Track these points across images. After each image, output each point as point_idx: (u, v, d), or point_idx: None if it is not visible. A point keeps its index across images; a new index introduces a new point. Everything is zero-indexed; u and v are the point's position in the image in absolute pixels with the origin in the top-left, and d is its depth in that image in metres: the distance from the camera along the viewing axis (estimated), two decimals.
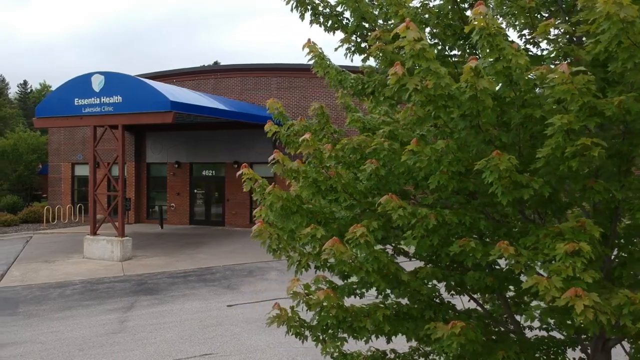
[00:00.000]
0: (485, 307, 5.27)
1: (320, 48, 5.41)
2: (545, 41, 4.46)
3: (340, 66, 5.68)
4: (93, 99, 20.62)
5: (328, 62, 5.44)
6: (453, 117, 3.83)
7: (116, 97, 20.14)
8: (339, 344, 4.11)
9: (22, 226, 31.41)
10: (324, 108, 5.56)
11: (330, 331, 4.14)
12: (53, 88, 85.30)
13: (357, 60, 5.21)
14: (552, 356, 4.70)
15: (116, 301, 14.67)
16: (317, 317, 4.02)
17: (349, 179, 4.53)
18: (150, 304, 14.38)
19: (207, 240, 25.73)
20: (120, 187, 20.85)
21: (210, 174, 31.55)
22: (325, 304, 3.79)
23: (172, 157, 32.16)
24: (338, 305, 3.83)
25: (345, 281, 4.69)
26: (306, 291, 4.11)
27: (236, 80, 30.20)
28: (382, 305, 4.23)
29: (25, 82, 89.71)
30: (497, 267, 4.72)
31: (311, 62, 5.55)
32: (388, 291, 4.34)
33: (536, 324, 5.51)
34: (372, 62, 5.17)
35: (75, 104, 21.05)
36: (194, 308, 13.90)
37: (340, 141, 4.77)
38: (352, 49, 5.06)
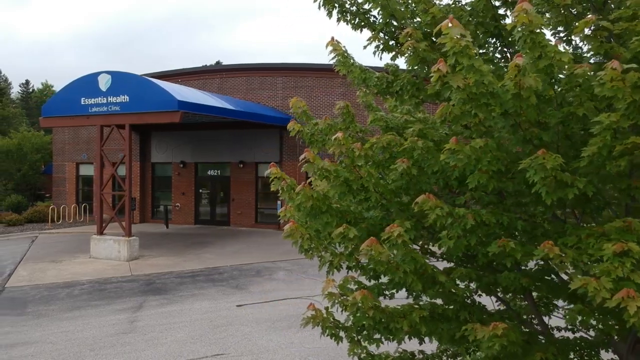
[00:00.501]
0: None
1: (344, 46, 5.35)
2: (578, 39, 4.40)
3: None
4: (100, 98, 20.57)
5: (351, 61, 5.37)
6: (494, 115, 3.76)
7: (123, 97, 20.09)
8: (373, 345, 4.04)
9: (27, 226, 31.35)
10: (350, 107, 5.47)
11: (364, 332, 4.07)
12: (55, 88, 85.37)
13: (383, 59, 5.14)
14: (586, 357, 4.64)
15: (125, 301, 14.61)
16: (352, 318, 3.96)
17: (377, 178, 4.46)
18: (159, 304, 14.32)
19: (213, 240, 25.68)
20: (128, 186, 20.79)
21: (215, 174, 31.50)
22: (361, 304, 3.73)
23: (177, 156, 32.11)
24: (375, 306, 3.77)
25: (375, 282, 4.62)
26: (341, 292, 4.03)
27: (241, 80, 30.15)
28: (416, 306, 4.16)
29: (27, 82, 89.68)
30: (524, 267, 4.66)
31: (333, 61, 5.50)
32: (417, 292, 4.27)
33: (556, 322, 5.45)
34: (398, 61, 5.11)
35: (82, 103, 20.99)
36: (204, 308, 13.84)
37: (367, 140, 4.71)
38: (381, 46, 4.98)
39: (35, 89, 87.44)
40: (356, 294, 3.80)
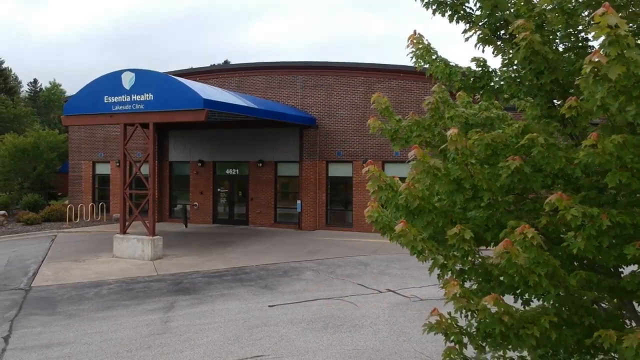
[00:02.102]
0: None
1: (427, 40, 5.14)
2: None
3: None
4: (123, 96, 20.45)
5: (434, 56, 5.16)
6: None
7: (147, 95, 19.96)
8: (500, 352, 3.82)
9: (44, 225, 31.31)
10: (439, 102, 5.25)
11: (489, 339, 3.85)
12: (63, 87, 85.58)
13: (485, 52, 4.91)
14: None
15: (155, 301, 14.45)
16: (478, 324, 3.74)
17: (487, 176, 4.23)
18: (190, 304, 14.15)
19: (234, 239, 25.52)
20: (152, 185, 20.66)
21: (233, 173, 31.35)
22: (495, 309, 3.51)
23: (195, 155, 31.99)
24: (508, 312, 3.56)
25: (488, 285, 4.39)
26: (466, 296, 3.80)
27: (260, 79, 29.99)
28: (540, 310, 3.94)
29: (35, 81, 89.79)
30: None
31: (410, 55, 5.28)
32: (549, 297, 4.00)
33: None
34: (486, 55, 4.89)
35: (105, 101, 20.88)
36: (235, 308, 13.66)
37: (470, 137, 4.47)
38: (485, 38, 4.75)
39: (44, 88, 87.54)
40: (487, 298, 3.57)
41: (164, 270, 18.43)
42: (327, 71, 28.55)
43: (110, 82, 20.84)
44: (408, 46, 5.26)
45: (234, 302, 14.22)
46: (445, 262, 4.02)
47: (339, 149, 28.12)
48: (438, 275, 4.20)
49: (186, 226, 30.04)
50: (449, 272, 4.11)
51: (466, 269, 4.08)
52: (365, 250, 22.51)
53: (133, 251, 20.43)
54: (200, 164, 31.78)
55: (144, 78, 20.23)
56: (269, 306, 13.84)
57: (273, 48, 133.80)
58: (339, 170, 28.57)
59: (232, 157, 31.02)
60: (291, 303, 14.11)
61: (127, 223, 21.41)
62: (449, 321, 3.95)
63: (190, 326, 12.22)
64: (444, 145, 4.11)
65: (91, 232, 28.98)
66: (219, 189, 31.88)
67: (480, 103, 5.57)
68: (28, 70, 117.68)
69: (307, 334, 11.64)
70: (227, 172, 31.59)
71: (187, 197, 32.53)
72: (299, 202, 28.72)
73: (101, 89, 21.06)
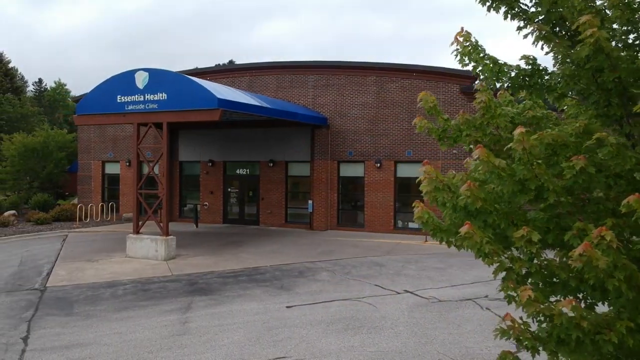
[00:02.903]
0: None
1: (474, 37, 5.03)
2: None
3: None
4: (137, 96, 20.38)
5: (482, 54, 5.04)
6: None
7: (161, 94, 19.89)
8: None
9: (54, 224, 31.28)
10: (492, 101, 5.11)
11: (563, 346, 3.72)
12: (68, 86, 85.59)
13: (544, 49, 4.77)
14: None
15: (172, 302, 14.37)
16: (551, 329, 3.61)
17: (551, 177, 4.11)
18: (207, 304, 14.06)
19: (245, 239, 25.44)
20: (166, 185, 20.58)
21: (244, 173, 31.26)
22: (574, 314, 3.39)
23: (205, 155, 31.92)
24: (586, 317, 3.44)
25: (550, 289, 4.26)
26: (539, 300, 3.67)
27: (272, 78, 29.90)
28: (612, 315, 3.80)
29: (40, 80, 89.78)
30: None
31: (454, 53, 5.17)
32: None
33: None
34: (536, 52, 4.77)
35: (118, 101, 20.82)
36: (253, 309, 13.56)
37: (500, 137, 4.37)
38: (544, 35, 4.62)
39: (49, 88, 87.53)
40: (563, 302, 3.46)
41: (178, 270, 18.35)
42: (338, 71, 28.43)
43: (123, 81, 20.77)
44: (452, 44, 5.15)
45: (251, 303, 14.12)
46: (511, 265, 3.90)
47: (351, 149, 28.00)
48: (503, 278, 4.07)
49: (197, 226, 29.97)
50: (515, 275, 3.98)
51: (532, 271, 3.96)
52: (378, 250, 22.39)
53: (147, 251, 20.36)
54: (210, 164, 31.70)
55: (158, 77, 20.15)
56: (287, 307, 13.74)
57: (277, 49, 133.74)
58: (350, 170, 28.45)
59: (242, 157, 30.93)
60: (309, 304, 14.00)
61: (140, 223, 21.31)
62: (522, 327, 3.83)
63: (209, 327, 12.12)
64: (510, 144, 3.99)
65: (102, 232, 28.94)
66: (229, 189, 31.79)
67: (524, 102, 5.45)
68: (32, 70, 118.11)
69: (327, 335, 11.53)
70: (238, 171, 31.50)
71: (197, 196, 32.46)
72: (310, 202, 28.61)
73: (114, 89, 20.99)
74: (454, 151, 24.72)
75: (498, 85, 5.05)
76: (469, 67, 5.19)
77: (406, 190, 27.35)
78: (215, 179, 31.77)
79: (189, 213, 31.97)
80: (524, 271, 3.97)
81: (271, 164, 29.88)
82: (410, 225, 26.89)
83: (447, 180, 4.25)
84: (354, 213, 28.66)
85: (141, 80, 20.22)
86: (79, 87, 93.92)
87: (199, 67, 36.45)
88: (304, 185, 29.62)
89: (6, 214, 32.42)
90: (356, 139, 27.85)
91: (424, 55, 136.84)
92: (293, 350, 10.62)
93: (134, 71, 20.57)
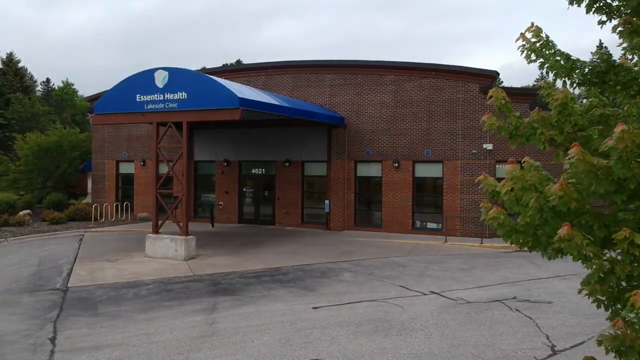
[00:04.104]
0: None
1: (544, 32, 4.85)
2: None
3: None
4: (156, 95, 20.27)
5: (553, 49, 4.86)
6: None
7: (181, 94, 19.77)
8: None
9: (69, 224, 31.20)
10: (568, 98, 4.91)
11: None
12: (75, 86, 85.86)
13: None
14: None
15: (196, 302, 14.23)
16: None
17: None
18: (232, 305, 13.92)
19: (263, 239, 25.30)
20: (186, 185, 20.47)
21: (259, 172, 31.11)
22: None
23: (220, 155, 31.78)
24: None
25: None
26: None
27: (288, 77, 29.74)
28: None
29: (47, 80, 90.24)
30: None
31: (520, 49, 4.99)
32: None
33: None
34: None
35: (137, 100, 20.70)
36: (279, 310, 13.41)
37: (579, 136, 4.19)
38: (634, 29, 4.43)
39: (56, 87, 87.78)
40: None
41: (199, 270, 18.22)
42: (355, 69, 28.24)
43: (142, 80, 20.65)
44: (518, 39, 4.98)
45: (277, 304, 13.97)
46: (612, 267, 3.72)
47: (368, 149, 27.80)
48: (583, 282, 3.89)
49: (212, 225, 29.86)
50: (615, 279, 3.80)
51: (635, 275, 3.77)
52: (399, 251, 22.20)
53: (166, 251, 20.24)
54: (225, 164, 31.57)
55: (178, 76, 20.01)
56: (313, 308, 13.59)
57: (284, 49, 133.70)
58: (367, 170, 28.26)
59: (258, 157, 30.78)
60: (335, 305, 13.84)
61: (159, 222, 21.19)
62: (634, 334, 3.65)
63: (237, 328, 11.98)
64: (610, 143, 3.80)
65: (117, 231, 28.86)
66: (244, 189, 31.64)
67: (589, 99, 5.26)
68: (40, 70, 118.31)
69: (358, 337, 11.37)
70: (253, 171, 31.36)
71: (212, 196, 32.33)
72: (327, 202, 28.44)
73: (133, 88, 20.86)
74: (474, 151, 24.51)
75: (568, 82, 4.86)
76: (536, 64, 5.01)
77: (424, 190, 27.14)
78: (231, 178, 31.63)
79: (205, 213, 31.81)
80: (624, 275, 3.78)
81: (287, 164, 29.72)
82: (429, 225, 26.68)
83: (535, 180, 4.05)
84: (371, 213, 28.45)
85: (161, 79, 20.10)
86: (86, 86, 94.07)
87: (207, 67, 36.34)
88: (320, 185, 29.44)
89: (21, 213, 32.35)
90: (373, 139, 27.65)
91: (433, 55, 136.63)
92: (325, 352, 10.46)
93: (153, 70, 20.44)
